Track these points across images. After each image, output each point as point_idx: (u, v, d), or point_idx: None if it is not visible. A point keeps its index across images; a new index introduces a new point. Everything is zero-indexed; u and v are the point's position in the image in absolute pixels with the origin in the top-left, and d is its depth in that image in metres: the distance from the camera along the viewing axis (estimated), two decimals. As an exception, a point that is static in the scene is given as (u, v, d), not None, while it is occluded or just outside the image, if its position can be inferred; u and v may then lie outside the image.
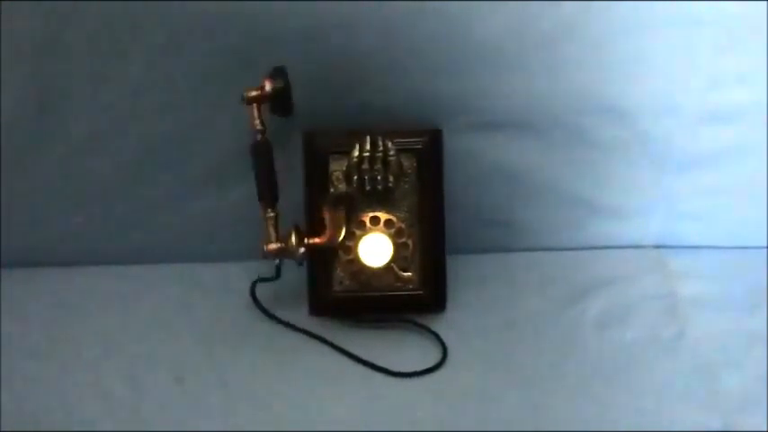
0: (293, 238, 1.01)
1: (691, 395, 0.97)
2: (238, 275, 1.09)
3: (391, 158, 1.01)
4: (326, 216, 1.02)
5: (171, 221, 1.11)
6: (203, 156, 1.08)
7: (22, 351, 1.03)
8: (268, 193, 1.01)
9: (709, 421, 0.94)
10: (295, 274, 1.04)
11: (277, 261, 1.02)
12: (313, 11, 1.00)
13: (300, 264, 1.03)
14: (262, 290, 1.06)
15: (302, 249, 1.01)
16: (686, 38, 1.00)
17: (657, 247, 1.14)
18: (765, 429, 0.93)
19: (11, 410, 0.96)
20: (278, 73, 1.00)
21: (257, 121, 0.99)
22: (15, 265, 1.13)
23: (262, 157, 1.01)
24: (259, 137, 1.00)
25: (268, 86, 0.99)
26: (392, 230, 1.04)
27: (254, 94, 0.98)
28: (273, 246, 1.01)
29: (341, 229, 1.02)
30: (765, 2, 0.99)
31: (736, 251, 1.13)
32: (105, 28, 1.01)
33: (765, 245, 1.12)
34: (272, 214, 1.01)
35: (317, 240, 1.02)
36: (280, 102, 1.00)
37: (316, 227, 1.03)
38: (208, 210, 1.11)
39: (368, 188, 1.02)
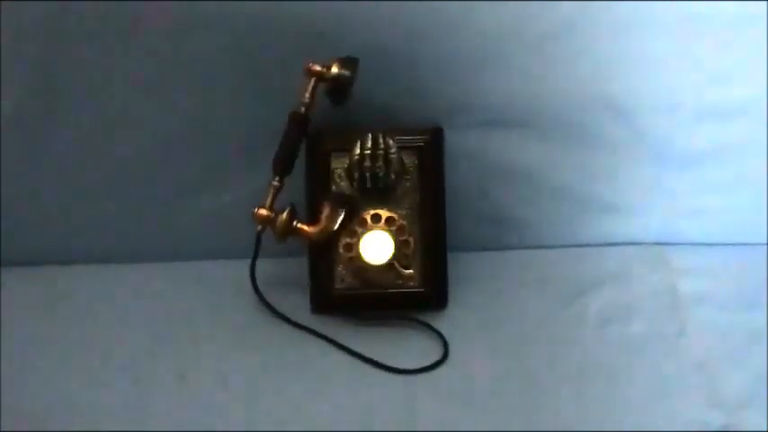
0: (284, 215, 1.00)
1: (691, 392, 0.97)
2: (241, 273, 1.08)
3: (392, 156, 1.01)
4: (324, 211, 1.01)
5: (172, 219, 1.11)
6: (204, 154, 1.08)
7: (23, 350, 1.03)
8: (283, 161, 1.00)
9: (709, 418, 0.94)
10: (297, 272, 1.04)
11: (259, 227, 1.01)
12: (314, 10, 1.00)
13: (279, 242, 1.01)
14: (263, 288, 1.06)
15: (287, 227, 0.99)
16: (686, 35, 1.01)
17: (658, 243, 1.14)
18: (766, 428, 0.93)
19: (11, 410, 0.95)
20: (349, 62, 0.99)
21: (308, 95, 0.98)
22: (16, 263, 1.12)
23: (295, 126, 1.00)
24: (303, 109, 0.99)
25: (334, 69, 0.98)
26: (393, 228, 1.04)
27: (317, 68, 0.98)
28: (263, 211, 1.00)
29: (332, 227, 1.01)
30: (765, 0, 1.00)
31: (736, 248, 1.12)
32: (106, 28, 1.01)
33: (766, 242, 1.12)
34: (277, 183, 1.00)
35: (305, 227, 1.01)
36: (338, 87, 0.99)
37: (315, 224, 1.03)
38: (209, 208, 1.11)
39: (369, 186, 1.02)
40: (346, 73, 0.98)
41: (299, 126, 1.00)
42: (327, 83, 0.98)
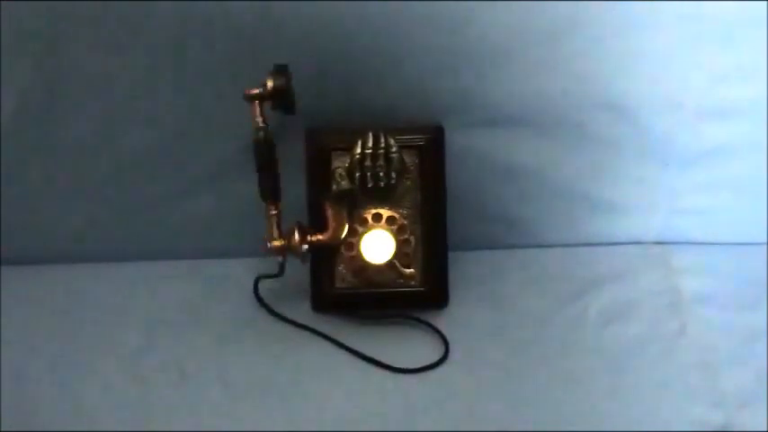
0: (296, 236, 1.01)
1: (692, 391, 0.97)
2: (241, 272, 1.09)
3: (393, 155, 1.01)
4: (329, 213, 1.02)
5: (173, 218, 1.11)
6: (205, 153, 1.08)
7: (23, 349, 1.03)
8: (270, 191, 1.01)
9: (710, 417, 0.95)
10: (298, 271, 1.04)
11: (280, 258, 1.02)
12: (314, 8, 1.00)
13: (303, 261, 1.03)
14: (264, 286, 1.07)
15: (305, 247, 1.01)
16: (688, 34, 1.00)
17: (659, 243, 1.14)
18: (766, 428, 0.93)
19: (11, 410, 0.95)
20: (279, 71, 0.99)
21: (259, 119, 0.99)
22: (16, 262, 1.12)
23: (263, 154, 1.00)
24: (261, 134, 1.00)
25: (269, 84, 0.98)
26: (394, 227, 1.04)
27: (255, 91, 0.98)
28: (276, 243, 1.01)
29: (343, 226, 1.02)
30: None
31: (737, 247, 1.13)
32: (105, 28, 1.01)
33: (766, 241, 1.12)
34: (274, 211, 1.01)
35: (319, 237, 1.02)
36: (281, 100, 1.00)
37: (318, 224, 1.03)
38: (210, 207, 1.11)
39: (370, 185, 1.02)
40: (281, 83, 0.98)
41: (266, 151, 1.00)
42: (270, 99, 0.99)
